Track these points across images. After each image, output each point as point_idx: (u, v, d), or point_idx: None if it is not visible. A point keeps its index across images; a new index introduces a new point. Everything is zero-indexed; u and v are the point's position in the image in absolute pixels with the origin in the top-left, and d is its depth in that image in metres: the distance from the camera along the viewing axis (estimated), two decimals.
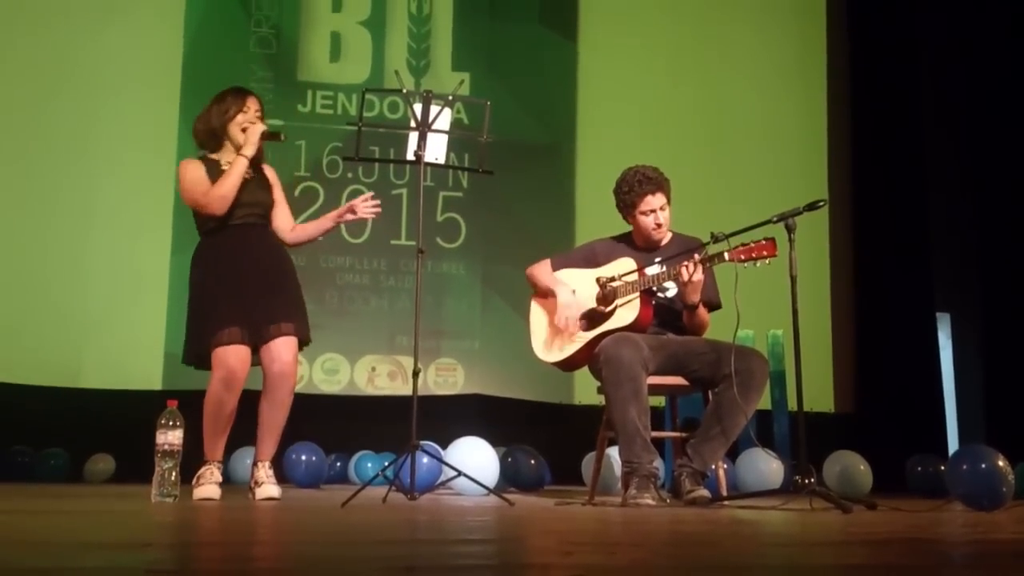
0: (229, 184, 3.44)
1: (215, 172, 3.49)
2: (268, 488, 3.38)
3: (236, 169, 3.46)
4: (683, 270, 3.43)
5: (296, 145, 6.25)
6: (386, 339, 6.29)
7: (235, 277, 3.43)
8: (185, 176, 3.50)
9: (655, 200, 3.66)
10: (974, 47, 7.03)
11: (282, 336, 3.44)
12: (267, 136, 3.54)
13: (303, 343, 3.53)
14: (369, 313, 6.31)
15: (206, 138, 3.56)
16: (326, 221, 3.68)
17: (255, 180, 3.57)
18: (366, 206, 3.64)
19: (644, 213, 3.67)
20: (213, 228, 3.51)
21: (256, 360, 3.46)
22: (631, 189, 3.67)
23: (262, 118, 3.59)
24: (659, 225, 3.68)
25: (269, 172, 3.68)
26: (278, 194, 3.65)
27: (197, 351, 3.43)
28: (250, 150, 3.48)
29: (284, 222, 3.65)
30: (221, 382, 3.33)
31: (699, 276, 3.44)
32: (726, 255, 3.40)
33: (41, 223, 5.98)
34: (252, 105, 3.57)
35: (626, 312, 3.57)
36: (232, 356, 3.33)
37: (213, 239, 3.52)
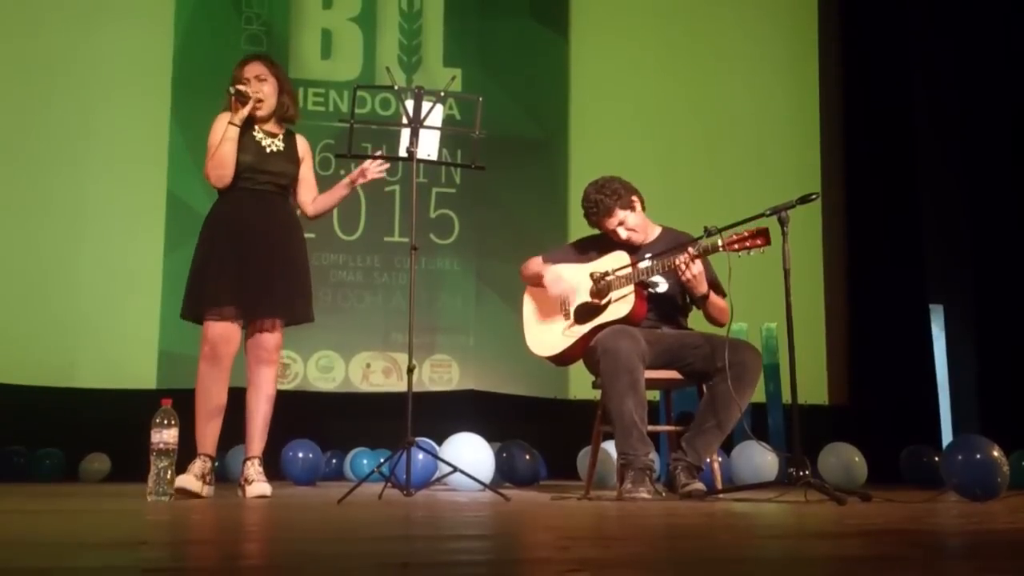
0: (218, 156, 3.45)
1: (247, 137, 3.53)
2: (259, 486, 3.39)
3: (225, 138, 3.45)
4: (680, 268, 3.44)
5: None
6: (380, 336, 6.29)
7: (240, 246, 3.45)
8: (211, 131, 3.53)
9: (612, 220, 3.70)
10: (966, 38, 7.04)
11: (267, 326, 3.49)
12: (238, 94, 3.49)
13: (302, 322, 3.59)
14: (363, 310, 6.31)
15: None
16: (340, 188, 3.66)
17: (284, 151, 3.58)
18: (375, 169, 3.62)
19: (611, 230, 3.72)
20: (233, 186, 3.52)
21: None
22: (587, 215, 3.75)
23: (278, 76, 3.60)
24: (630, 230, 3.71)
25: (302, 144, 3.68)
26: (306, 169, 3.67)
27: (193, 312, 3.48)
28: (236, 118, 3.48)
29: (307, 196, 3.68)
30: (204, 358, 3.41)
31: (698, 269, 3.46)
32: (720, 244, 3.41)
33: (34, 223, 5.96)
34: (253, 71, 3.57)
35: (620, 305, 3.58)
36: (218, 331, 3.39)
37: (230, 199, 3.54)
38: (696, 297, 3.58)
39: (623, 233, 3.70)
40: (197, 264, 3.50)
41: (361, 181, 3.63)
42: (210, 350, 3.40)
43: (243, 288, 3.42)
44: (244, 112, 3.48)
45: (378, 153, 3.65)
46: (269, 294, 3.47)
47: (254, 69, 3.57)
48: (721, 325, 3.65)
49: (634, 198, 3.73)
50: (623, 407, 3.36)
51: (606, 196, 3.69)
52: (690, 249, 3.47)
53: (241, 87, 3.49)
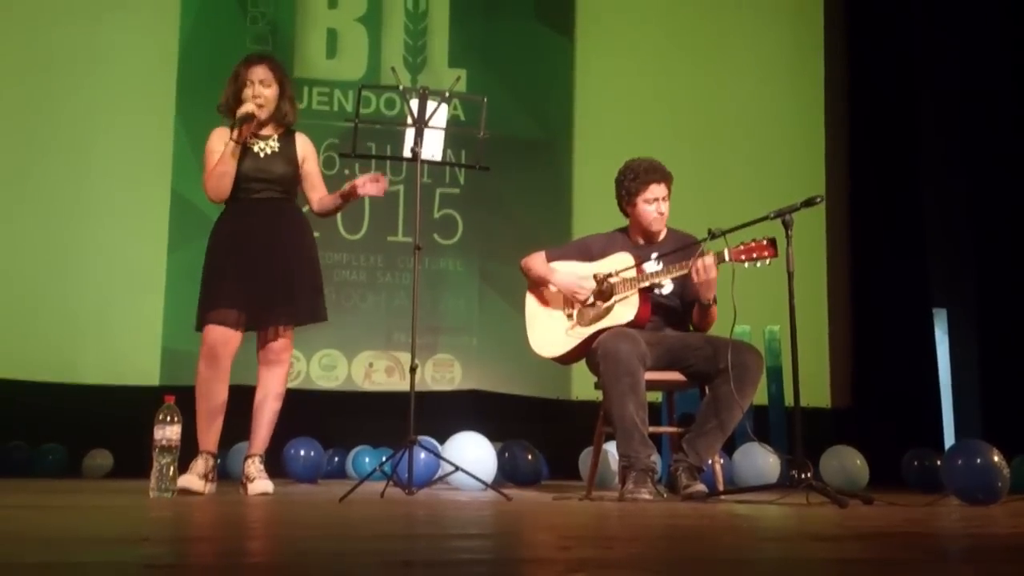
0: (218, 172, 3.44)
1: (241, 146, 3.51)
2: (260, 484, 3.40)
3: (224, 157, 3.44)
4: (699, 268, 3.42)
5: None
6: (383, 335, 6.30)
7: (245, 255, 3.45)
8: (206, 146, 3.52)
9: (659, 190, 3.67)
10: (971, 40, 7.03)
11: (275, 333, 3.50)
12: (243, 118, 3.45)
13: (314, 322, 3.58)
14: (366, 309, 6.32)
15: (228, 115, 3.53)
16: (336, 198, 3.62)
17: (280, 152, 3.56)
18: (369, 186, 3.54)
19: (647, 201, 3.67)
20: (234, 197, 3.52)
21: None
22: (636, 177, 3.67)
23: (281, 81, 3.57)
24: (661, 214, 3.69)
25: (301, 143, 3.64)
26: (310, 166, 3.64)
27: (204, 323, 3.47)
28: (238, 136, 3.45)
29: (313, 194, 3.66)
30: (203, 359, 3.40)
31: (714, 273, 3.44)
32: (727, 255, 3.40)
33: (39, 219, 5.98)
34: (257, 75, 3.53)
35: (625, 309, 3.57)
36: (216, 334, 3.38)
37: (232, 209, 3.54)
38: (700, 301, 3.56)
39: (653, 209, 3.68)
40: (204, 276, 3.50)
41: (353, 199, 3.61)
42: (208, 351, 3.40)
43: (247, 296, 3.42)
44: (247, 133, 3.47)
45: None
46: (275, 300, 3.47)
47: (259, 73, 3.53)
48: (704, 330, 3.65)
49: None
50: (624, 410, 3.36)
51: (664, 167, 3.70)
52: (713, 253, 3.44)
53: (245, 111, 3.44)
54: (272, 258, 3.47)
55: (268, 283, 3.45)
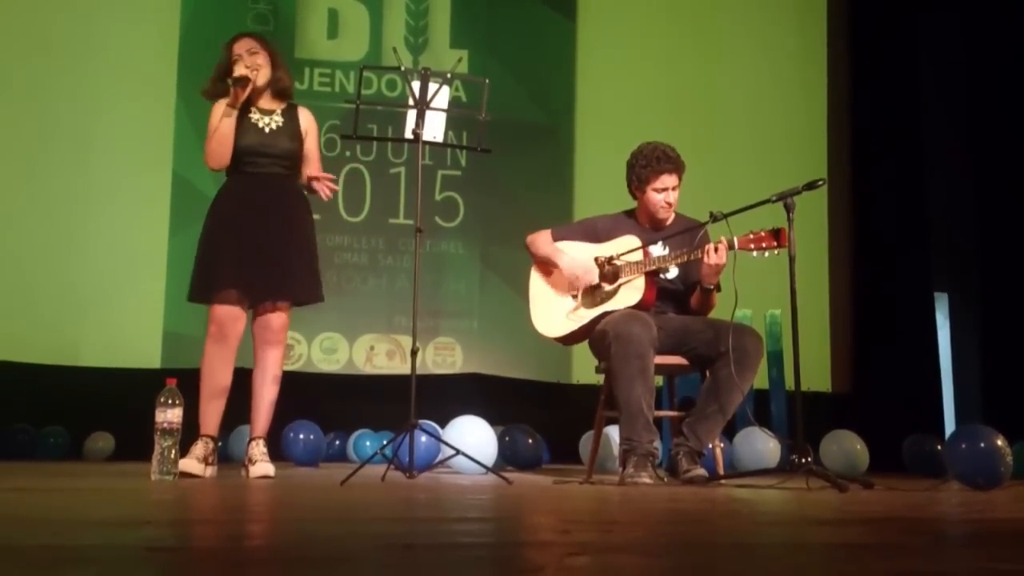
0: (217, 136, 3.43)
1: (244, 120, 3.50)
2: (262, 466, 3.40)
3: (223, 124, 3.43)
4: (709, 251, 3.42)
5: None
6: (384, 318, 6.29)
7: (247, 231, 3.44)
8: (209, 121, 3.51)
9: (670, 180, 3.66)
10: (974, 25, 6.99)
11: (275, 309, 3.50)
12: (236, 81, 3.43)
13: (310, 302, 3.59)
14: (367, 292, 6.31)
15: (215, 98, 3.52)
16: (306, 180, 3.63)
17: (284, 127, 3.55)
18: (321, 186, 3.57)
19: (656, 190, 3.66)
20: (237, 170, 3.51)
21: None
22: (648, 164, 3.66)
23: (268, 50, 3.55)
24: (668, 204, 3.67)
25: (304, 117, 3.62)
26: (310, 141, 3.62)
27: (200, 296, 3.48)
28: (235, 101, 3.43)
29: (306, 169, 3.63)
30: (211, 338, 3.42)
31: (724, 260, 3.43)
32: (735, 243, 3.39)
33: (41, 203, 5.97)
34: (243, 46, 3.52)
35: (630, 293, 3.56)
36: (225, 311, 3.40)
37: (234, 183, 3.53)
38: (703, 285, 3.56)
39: (662, 198, 3.66)
40: (203, 248, 3.49)
41: (315, 185, 3.59)
42: (217, 330, 3.40)
43: (248, 271, 3.42)
44: (243, 96, 3.45)
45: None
46: (274, 276, 3.47)
47: (245, 44, 3.53)
48: (703, 314, 3.64)
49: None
50: (631, 393, 3.35)
51: (678, 155, 3.68)
52: (723, 241, 3.44)
53: (238, 74, 3.43)
54: (273, 236, 3.47)
55: (268, 260, 3.45)
